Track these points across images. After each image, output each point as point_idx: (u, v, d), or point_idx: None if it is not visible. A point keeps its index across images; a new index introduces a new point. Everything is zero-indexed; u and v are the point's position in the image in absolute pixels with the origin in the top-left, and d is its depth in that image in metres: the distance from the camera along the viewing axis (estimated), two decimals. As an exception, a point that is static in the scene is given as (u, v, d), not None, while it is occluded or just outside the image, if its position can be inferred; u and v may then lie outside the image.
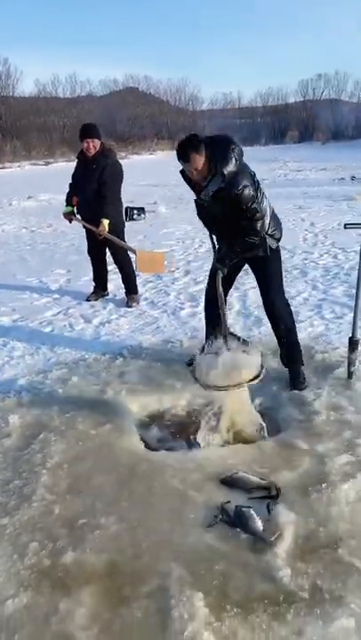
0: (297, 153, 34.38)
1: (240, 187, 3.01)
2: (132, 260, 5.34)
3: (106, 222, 5.01)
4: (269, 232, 3.27)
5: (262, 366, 3.05)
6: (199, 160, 2.96)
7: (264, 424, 3.12)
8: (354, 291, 3.63)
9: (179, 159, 3.05)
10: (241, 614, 1.89)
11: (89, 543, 2.25)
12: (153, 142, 45.38)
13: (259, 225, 3.15)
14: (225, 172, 2.97)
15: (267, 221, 3.23)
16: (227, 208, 3.11)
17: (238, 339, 3.19)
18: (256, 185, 3.14)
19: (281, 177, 18.73)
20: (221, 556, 2.15)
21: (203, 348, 3.20)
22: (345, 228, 3.53)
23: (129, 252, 5.32)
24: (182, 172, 3.18)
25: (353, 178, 16.71)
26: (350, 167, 21.15)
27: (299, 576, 2.05)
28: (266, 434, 3.07)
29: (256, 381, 3.00)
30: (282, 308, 3.51)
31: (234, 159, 2.99)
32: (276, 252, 3.42)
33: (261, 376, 3.02)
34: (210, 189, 3.05)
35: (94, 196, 5.06)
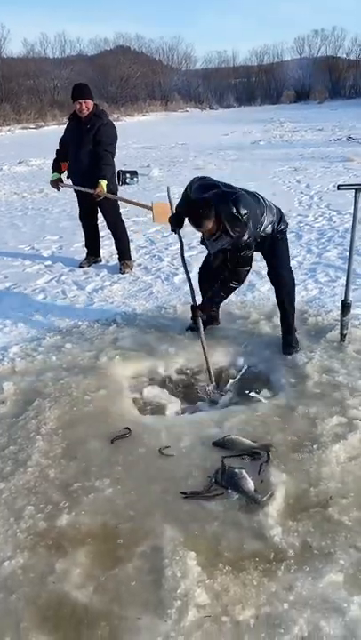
0: (293, 113, 33.69)
1: (244, 244, 3.17)
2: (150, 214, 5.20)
3: (104, 183, 4.91)
4: (275, 227, 3.39)
5: None
6: (210, 223, 3.07)
7: None
8: (348, 253, 3.60)
9: (190, 221, 3.13)
10: (233, 572, 1.95)
11: (84, 506, 2.29)
12: (146, 103, 44.24)
13: (243, 274, 3.35)
14: (232, 235, 3.11)
15: (271, 219, 3.33)
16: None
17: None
18: (261, 211, 3.26)
19: (277, 138, 18.39)
20: (214, 517, 2.20)
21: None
22: (338, 188, 3.47)
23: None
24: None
25: (350, 138, 16.41)
26: (347, 127, 20.77)
27: (289, 534, 2.10)
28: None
29: None
30: (288, 280, 3.57)
31: (242, 221, 3.07)
32: (283, 234, 3.49)
33: None
34: (217, 246, 3.28)
35: (89, 157, 4.95)
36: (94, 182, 4.93)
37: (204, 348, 3.36)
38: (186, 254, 5.69)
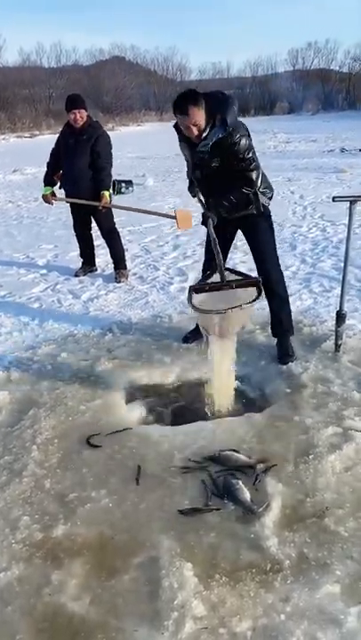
0: (286, 124, 33.94)
1: (238, 135, 3.00)
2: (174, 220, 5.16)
3: (107, 194, 4.99)
4: (261, 189, 3.26)
5: (260, 291, 2.94)
6: (198, 114, 2.90)
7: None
8: (342, 264, 3.63)
9: (175, 112, 2.97)
10: (229, 583, 1.94)
11: (80, 516, 2.28)
12: (140, 113, 44.49)
13: (254, 175, 3.15)
14: (227, 120, 2.93)
15: (259, 178, 3.22)
16: (224, 160, 3.08)
17: (237, 273, 3.18)
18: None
19: (271, 149, 18.50)
20: (210, 528, 2.19)
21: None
22: (333, 200, 3.49)
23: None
24: (176, 125, 3.13)
25: (343, 150, 16.56)
26: (340, 139, 20.95)
27: (286, 545, 2.10)
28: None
29: (251, 304, 2.89)
30: (277, 276, 3.50)
31: (234, 109, 2.97)
32: (268, 217, 3.41)
33: (257, 300, 2.92)
34: (210, 139, 3.01)
35: (86, 167, 4.98)
36: (93, 193, 4.99)
37: (216, 252, 3.12)
38: (181, 263, 5.75)
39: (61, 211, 8.45)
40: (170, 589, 1.90)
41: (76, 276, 5.54)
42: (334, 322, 3.60)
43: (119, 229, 5.48)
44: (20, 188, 11.85)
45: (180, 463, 2.58)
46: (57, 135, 5.25)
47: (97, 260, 5.75)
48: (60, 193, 5.30)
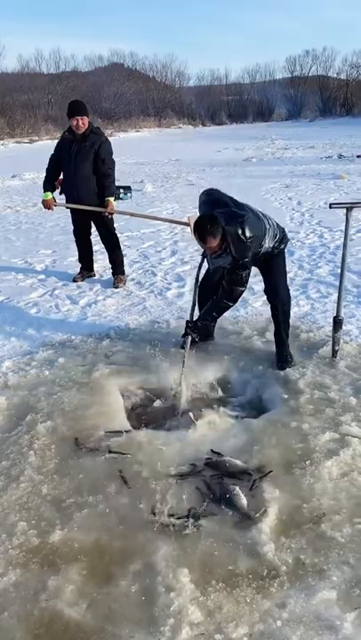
0: (284, 130, 34.12)
1: (241, 263, 3.23)
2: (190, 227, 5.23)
3: (112, 200, 5.04)
4: (274, 245, 3.44)
5: None
6: (215, 241, 3.13)
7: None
8: (339, 270, 3.64)
9: (195, 237, 3.21)
10: (226, 589, 1.94)
11: (77, 522, 2.28)
12: (139, 119, 44.64)
13: (237, 293, 3.38)
14: (235, 257, 3.20)
15: (272, 243, 3.41)
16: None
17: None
18: (263, 233, 3.33)
19: (268, 155, 18.59)
20: (207, 534, 2.20)
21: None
22: (330, 207, 3.51)
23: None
24: None
25: (340, 156, 16.65)
26: (338, 145, 21.07)
27: (282, 551, 2.10)
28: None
29: None
30: (284, 306, 3.61)
31: (246, 243, 3.16)
32: (282, 253, 3.55)
33: None
34: (217, 263, 3.38)
35: (89, 173, 5.00)
36: (95, 199, 5.03)
37: (183, 365, 3.37)
38: (179, 269, 5.77)
39: (60, 216, 8.48)
40: (166, 595, 1.90)
41: (74, 281, 5.54)
42: (331, 328, 3.61)
43: (117, 235, 5.49)
44: (19, 194, 11.86)
45: (176, 469, 2.59)
46: (56, 141, 5.26)
47: (95, 266, 5.76)
48: (60, 198, 5.32)
